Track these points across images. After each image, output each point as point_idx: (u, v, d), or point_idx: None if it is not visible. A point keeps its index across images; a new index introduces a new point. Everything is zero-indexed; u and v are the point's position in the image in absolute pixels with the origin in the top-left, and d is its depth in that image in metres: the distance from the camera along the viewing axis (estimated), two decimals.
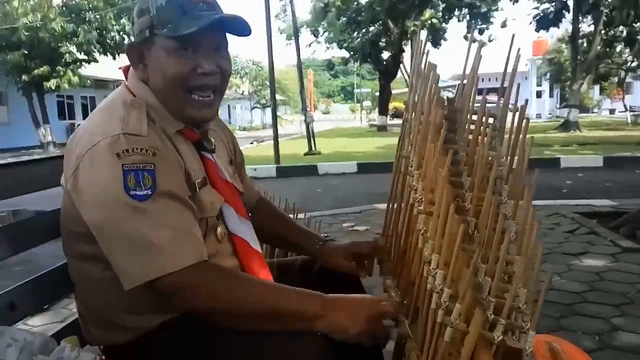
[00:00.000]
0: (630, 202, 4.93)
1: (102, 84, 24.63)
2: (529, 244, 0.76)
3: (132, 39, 1.05)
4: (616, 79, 24.22)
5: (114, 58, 18.44)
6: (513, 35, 1.05)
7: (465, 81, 1.16)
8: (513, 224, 0.87)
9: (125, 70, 1.09)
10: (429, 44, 19.64)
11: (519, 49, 1.07)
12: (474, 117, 1.11)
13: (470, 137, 1.10)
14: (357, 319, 0.91)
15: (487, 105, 1.13)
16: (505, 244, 0.75)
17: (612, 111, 32.65)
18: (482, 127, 1.06)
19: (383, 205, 5.67)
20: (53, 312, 2.48)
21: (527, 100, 1.13)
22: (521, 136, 0.99)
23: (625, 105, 23.16)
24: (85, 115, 24.64)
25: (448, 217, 0.81)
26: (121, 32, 17.59)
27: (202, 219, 1.02)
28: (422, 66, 1.26)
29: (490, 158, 1.00)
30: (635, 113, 22.81)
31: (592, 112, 31.47)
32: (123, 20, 17.36)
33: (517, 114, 1.00)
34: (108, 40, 17.61)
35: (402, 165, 1.24)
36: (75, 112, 24.30)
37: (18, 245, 1.09)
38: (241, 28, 1.04)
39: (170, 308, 0.97)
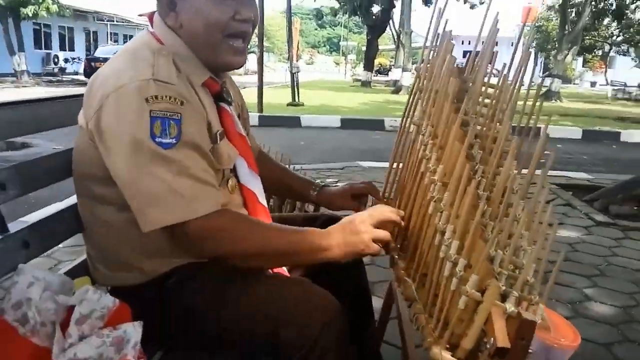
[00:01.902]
0: (605, 177, 5.10)
1: (81, 15, 23.60)
2: (542, 224, 0.80)
3: None
4: (600, 52, 24.37)
5: None
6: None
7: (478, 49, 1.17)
8: (521, 202, 0.91)
9: (150, 18, 1.07)
10: (419, 2, 19.32)
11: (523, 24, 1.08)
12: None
13: (484, 109, 1.13)
14: (357, 236, 0.99)
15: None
16: (522, 221, 0.78)
17: (593, 84, 33.00)
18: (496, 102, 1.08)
19: (366, 163, 5.74)
20: (61, 252, 2.49)
21: (504, 65, 1.15)
22: (534, 116, 1.01)
23: (606, 79, 23.47)
24: (62, 46, 23.73)
25: (467, 192, 0.84)
26: None
27: (218, 170, 1.04)
28: (440, 31, 1.26)
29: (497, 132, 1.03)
30: (616, 88, 23.15)
31: (574, 84, 31.76)
32: None
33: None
34: None
35: (413, 132, 1.26)
36: (52, 42, 23.38)
37: (32, 183, 1.10)
38: None
39: (188, 253, 1.01)
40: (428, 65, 1.30)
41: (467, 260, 0.82)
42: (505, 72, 1.14)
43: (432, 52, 1.29)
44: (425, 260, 0.99)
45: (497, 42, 1.17)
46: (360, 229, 1.00)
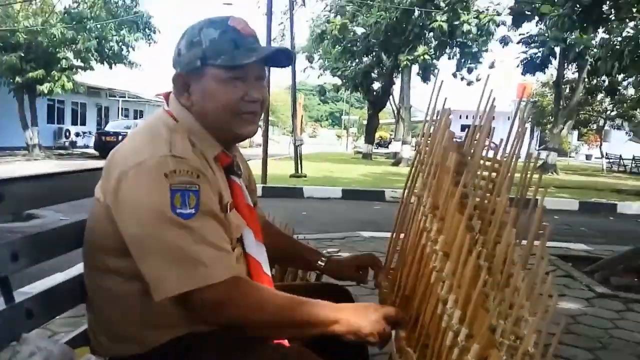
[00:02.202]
0: (604, 248, 5.08)
1: (94, 92, 24.52)
2: (543, 291, 0.82)
3: (176, 69, 1.11)
4: (595, 126, 24.96)
5: (110, 67, 18.46)
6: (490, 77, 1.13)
7: (477, 124, 1.24)
8: (522, 272, 0.93)
9: (166, 97, 1.15)
10: (418, 78, 20.08)
11: (519, 99, 1.15)
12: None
13: (482, 182, 1.18)
14: (367, 320, 1.02)
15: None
16: (523, 292, 0.81)
17: (588, 157, 33.56)
18: (493, 175, 1.13)
19: (367, 233, 5.73)
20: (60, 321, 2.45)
21: (502, 140, 1.21)
22: (533, 187, 1.06)
23: (602, 152, 23.86)
24: (74, 121, 24.45)
25: (468, 262, 0.87)
26: (120, 43, 17.66)
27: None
28: (437, 109, 1.33)
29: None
30: (611, 160, 23.51)
31: (570, 157, 32.27)
32: (123, 32, 17.45)
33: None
34: (106, 50, 17.65)
35: (414, 203, 1.30)
36: (64, 117, 24.08)
37: (43, 254, 1.13)
38: (285, 60, 1.15)
39: (202, 321, 1.02)
40: (428, 140, 1.36)
41: (469, 330, 0.83)
42: (502, 145, 1.20)
43: (431, 126, 1.36)
44: (427, 330, 1.00)
45: (493, 117, 1.24)
46: (372, 316, 1.02)
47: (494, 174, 1.17)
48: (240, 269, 1.14)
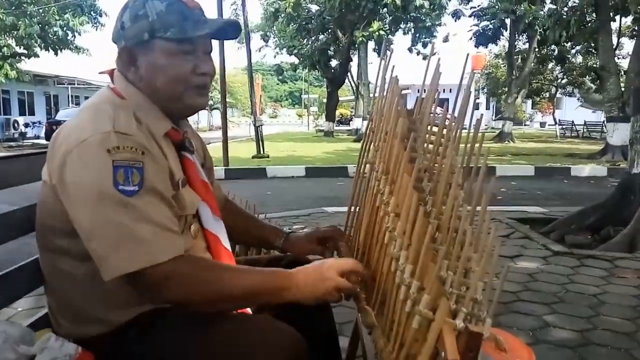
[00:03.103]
0: (559, 209, 5.31)
1: (41, 80, 23.47)
2: (487, 243, 0.87)
3: (120, 43, 1.08)
4: (547, 94, 25.71)
5: (56, 53, 17.67)
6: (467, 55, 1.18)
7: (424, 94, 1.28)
8: (469, 228, 0.98)
9: (110, 74, 1.12)
10: (374, 54, 20.17)
11: (471, 72, 1.20)
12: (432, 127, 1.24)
13: (431, 146, 1.22)
14: (320, 281, 1.03)
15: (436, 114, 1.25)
16: (467, 245, 0.85)
17: (542, 124, 34.61)
18: (442, 139, 1.17)
19: (332, 208, 5.79)
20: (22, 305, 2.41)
21: (447, 100, 1.26)
22: (477, 145, 1.11)
23: (555, 119, 24.65)
24: (22, 111, 23.41)
25: (417, 219, 0.91)
26: (64, 28, 16.91)
27: (181, 216, 1.07)
28: (387, 78, 1.36)
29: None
30: (564, 127, 24.34)
31: (525, 125, 33.24)
32: (67, 16, 16.69)
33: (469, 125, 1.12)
34: (50, 35, 16.91)
35: (368, 170, 1.34)
36: (11, 108, 23.06)
37: None
38: (232, 33, 1.13)
39: (149, 300, 1.02)
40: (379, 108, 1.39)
41: (420, 283, 0.87)
42: (450, 112, 1.24)
43: (381, 96, 1.39)
44: (384, 288, 1.04)
45: (450, 90, 1.28)
46: (326, 275, 1.03)
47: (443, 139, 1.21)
48: (198, 244, 1.14)
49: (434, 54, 1.30)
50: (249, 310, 1.17)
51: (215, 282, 1.00)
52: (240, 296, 1.01)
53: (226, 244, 1.22)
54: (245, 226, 1.44)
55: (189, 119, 1.23)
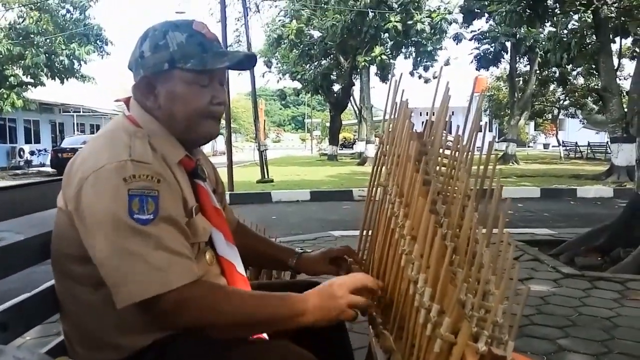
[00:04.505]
0: (567, 231, 5.28)
1: (47, 108, 23.75)
2: (505, 265, 0.87)
3: (138, 72, 1.10)
4: (550, 116, 25.82)
5: (62, 82, 17.94)
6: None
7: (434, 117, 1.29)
8: (486, 250, 0.98)
9: (126, 102, 1.14)
10: (376, 78, 20.39)
11: (477, 94, 1.21)
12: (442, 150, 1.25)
13: (443, 169, 1.23)
14: (333, 301, 1.02)
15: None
16: (487, 267, 0.85)
17: (546, 146, 34.70)
18: (454, 161, 1.18)
19: (338, 232, 5.77)
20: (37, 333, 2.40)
21: (458, 127, 1.27)
22: (490, 167, 1.11)
23: (558, 140, 24.71)
24: (28, 139, 23.64)
25: (434, 241, 0.91)
26: (70, 57, 17.18)
27: (194, 243, 1.07)
28: (397, 102, 1.38)
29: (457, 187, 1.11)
30: (568, 148, 24.38)
31: (528, 146, 33.29)
32: (73, 45, 16.97)
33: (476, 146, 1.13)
34: (56, 64, 17.17)
35: (380, 193, 1.34)
36: (17, 136, 23.26)
37: (7, 267, 1.10)
38: (249, 64, 1.16)
39: (165, 326, 1.01)
40: (389, 131, 1.41)
41: (440, 306, 0.87)
42: (460, 134, 1.25)
43: (391, 119, 1.40)
44: (402, 312, 1.03)
45: (452, 112, 1.30)
46: (337, 294, 1.03)
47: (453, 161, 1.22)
48: (213, 271, 1.14)
49: (437, 77, 1.31)
50: (265, 335, 1.16)
51: (231, 308, 0.99)
52: (255, 323, 1.01)
53: (241, 270, 1.22)
54: (256, 247, 1.44)
55: None
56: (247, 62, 1.15)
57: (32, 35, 16.19)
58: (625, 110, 11.66)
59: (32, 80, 17.40)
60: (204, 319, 0.98)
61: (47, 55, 16.50)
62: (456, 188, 1.14)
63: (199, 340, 1.01)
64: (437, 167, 1.25)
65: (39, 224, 1.19)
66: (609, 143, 14.24)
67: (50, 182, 1.28)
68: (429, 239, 0.94)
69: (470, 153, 1.20)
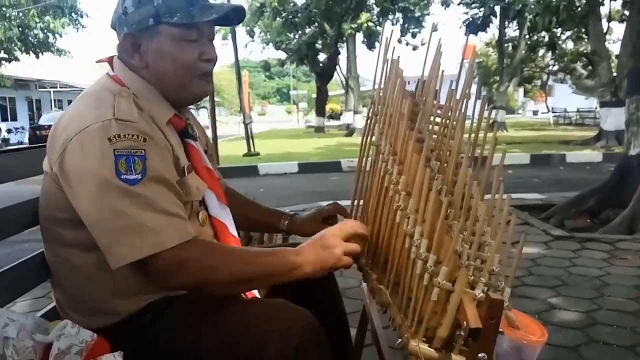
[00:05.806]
0: (556, 195, 5.34)
1: (22, 84, 23.15)
2: (503, 216, 0.87)
3: (121, 29, 1.06)
4: (539, 82, 25.81)
5: (37, 57, 17.45)
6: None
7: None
8: (481, 204, 0.98)
9: (109, 61, 1.10)
10: (363, 47, 20.13)
11: (467, 60, 1.19)
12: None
13: (436, 127, 1.22)
14: (327, 251, 1.02)
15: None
16: (482, 218, 0.85)
17: (535, 112, 34.82)
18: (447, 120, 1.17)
19: (327, 204, 5.82)
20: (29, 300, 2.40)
21: (451, 82, 1.25)
22: (490, 134, 1.10)
23: (547, 107, 24.79)
24: (4, 117, 23.15)
25: (429, 195, 0.90)
26: (45, 30, 16.69)
27: (187, 202, 1.06)
28: (388, 63, 1.35)
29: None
30: (557, 114, 24.48)
31: (518, 113, 33.40)
32: (47, 18, 16.45)
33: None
34: (30, 38, 16.67)
35: (372, 154, 1.33)
36: None
37: None
38: (237, 19, 1.13)
39: (161, 286, 1.01)
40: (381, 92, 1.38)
41: (437, 256, 0.87)
42: (453, 89, 1.23)
43: (383, 78, 1.38)
44: (397, 267, 1.03)
45: (443, 71, 1.27)
46: (331, 243, 1.02)
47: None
48: (206, 232, 1.13)
49: (427, 43, 1.28)
50: (256, 293, 1.16)
51: (228, 264, 0.99)
52: (254, 277, 1.01)
53: (233, 231, 1.21)
54: (247, 210, 1.43)
55: None
56: (234, 15, 1.11)
57: (3, 9, 15.65)
58: (615, 74, 11.67)
59: (5, 56, 16.94)
60: (201, 278, 0.97)
61: (20, 28, 16.02)
62: (450, 147, 1.13)
63: (195, 302, 1.01)
64: (430, 127, 1.23)
65: (26, 191, 1.16)
66: (598, 108, 14.30)
67: (40, 147, 1.24)
68: (424, 193, 0.93)
69: (462, 112, 1.18)
